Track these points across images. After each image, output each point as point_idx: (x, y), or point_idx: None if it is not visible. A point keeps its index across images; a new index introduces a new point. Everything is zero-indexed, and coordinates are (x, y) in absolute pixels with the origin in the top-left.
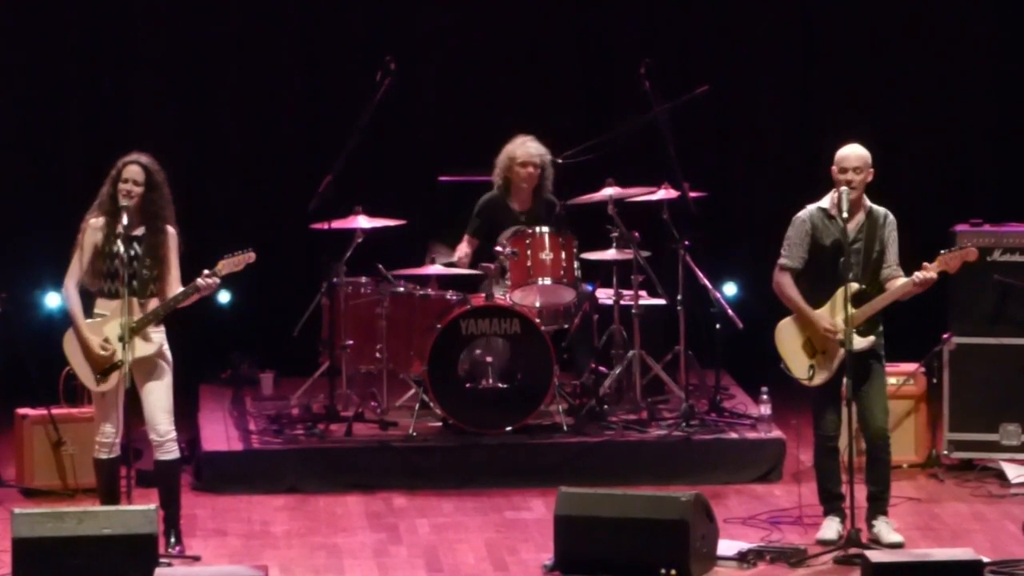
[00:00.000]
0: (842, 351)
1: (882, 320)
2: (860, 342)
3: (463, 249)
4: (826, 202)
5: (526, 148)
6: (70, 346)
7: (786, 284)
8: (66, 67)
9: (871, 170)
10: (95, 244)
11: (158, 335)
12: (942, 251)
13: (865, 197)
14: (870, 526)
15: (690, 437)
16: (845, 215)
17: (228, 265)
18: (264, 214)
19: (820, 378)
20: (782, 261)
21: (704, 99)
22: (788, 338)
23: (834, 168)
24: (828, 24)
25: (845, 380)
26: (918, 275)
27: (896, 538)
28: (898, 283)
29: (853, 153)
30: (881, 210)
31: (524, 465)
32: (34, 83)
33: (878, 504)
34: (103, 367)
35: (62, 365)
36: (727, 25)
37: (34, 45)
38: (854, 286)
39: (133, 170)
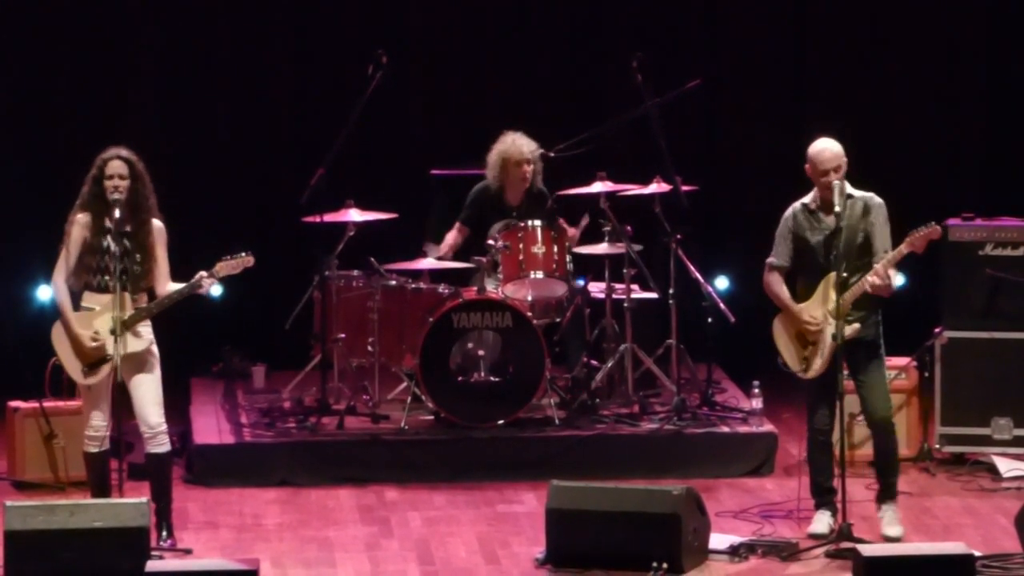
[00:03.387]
0: (831, 342)
1: (878, 309)
2: (847, 330)
3: (449, 240)
4: (808, 198)
5: (519, 147)
6: (58, 338)
7: (773, 281)
8: (56, 63)
9: (845, 160)
10: (83, 240)
11: (147, 331)
12: (910, 232)
13: (847, 184)
14: (878, 508)
15: (682, 431)
16: (838, 208)
17: (226, 268)
18: (256, 207)
19: (814, 370)
20: (769, 260)
21: (696, 93)
22: (783, 332)
23: (808, 167)
24: (819, 19)
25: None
26: (889, 256)
27: (895, 531)
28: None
29: (829, 152)
30: (865, 195)
31: (516, 458)
32: (23, 78)
33: (888, 490)
34: (92, 360)
35: (51, 357)
36: (719, 19)
37: (23, 40)
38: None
39: (116, 165)
